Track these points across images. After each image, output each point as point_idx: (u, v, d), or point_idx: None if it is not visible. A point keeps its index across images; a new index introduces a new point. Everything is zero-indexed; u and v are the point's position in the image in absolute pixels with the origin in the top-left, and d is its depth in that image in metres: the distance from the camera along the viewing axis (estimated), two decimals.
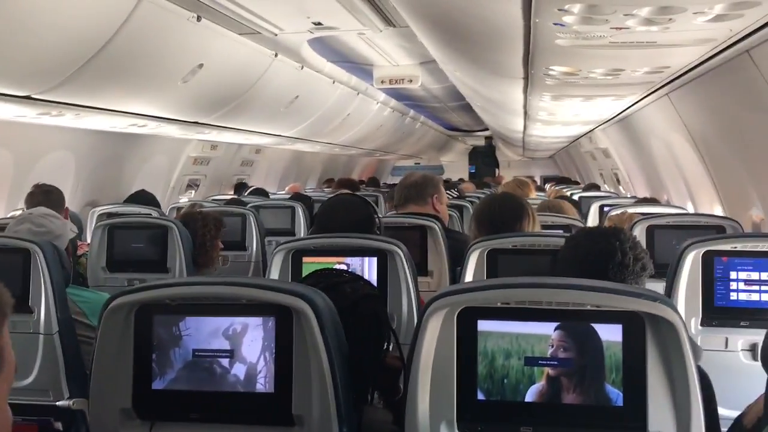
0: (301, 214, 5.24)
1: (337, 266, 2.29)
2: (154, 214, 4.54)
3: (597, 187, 9.05)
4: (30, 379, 2.28)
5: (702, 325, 2.32)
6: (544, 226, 3.13)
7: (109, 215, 4.57)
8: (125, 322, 1.40)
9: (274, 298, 1.35)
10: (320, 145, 9.93)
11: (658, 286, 2.52)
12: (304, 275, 2.15)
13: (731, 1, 2.15)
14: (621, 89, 4.45)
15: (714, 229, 3.10)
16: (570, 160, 14.55)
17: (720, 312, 2.31)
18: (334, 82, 7.14)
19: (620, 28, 2.48)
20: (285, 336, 1.36)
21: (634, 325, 1.24)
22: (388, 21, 5.10)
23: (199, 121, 5.98)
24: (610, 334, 1.24)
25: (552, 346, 1.25)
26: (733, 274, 2.31)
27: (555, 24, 2.46)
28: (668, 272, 2.36)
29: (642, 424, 1.23)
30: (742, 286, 2.31)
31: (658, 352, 1.23)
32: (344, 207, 2.68)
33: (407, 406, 1.28)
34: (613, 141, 8.67)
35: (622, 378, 1.24)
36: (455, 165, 18.89)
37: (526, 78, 4.14)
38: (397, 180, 9.83)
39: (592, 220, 4.85)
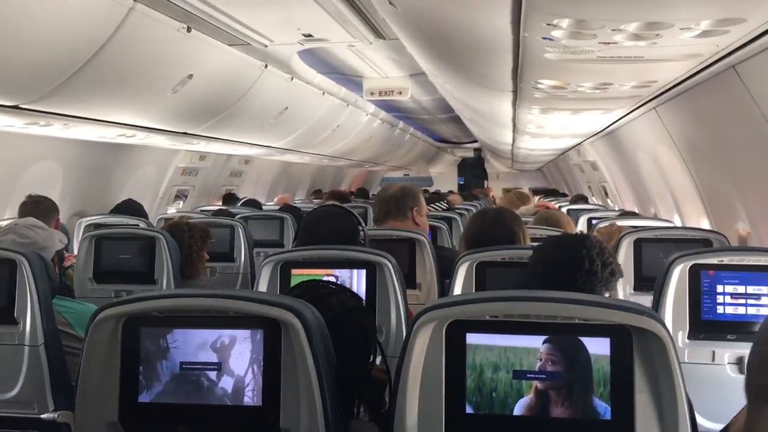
0: (290, 225, 5.23)
1: (326, 278, 2.29)
2: (142, 225, 4.52)
3: (585, 199, 9.08)
4: (15, 392, 2.24)
5: (689, 338, 2.33)
6: (534, 239, 3.13)
7: (96, 226, 4.54)
8: (112, 334, 1.39)
9: (261, 311, 1.34)
10: (309, 156, 9.94)
11: (646, 299, 2.53)
12: (292, 286, 2.15)
13: (717, 17, 2.18)
14: (609, 103, 4.49)
15: (701, 243, 3.12)
16: (558, 173, 14.63)
17: (707, 325, 2.32)
18: (323, 94, 7.16)
19: (608, 43, 2.50)
20: (273, 349, 1.36)
21: (622, 339, 1.24)
22: (378, 33, 5.12)
23: (188, 132, 5.97)
24: (598, 347, 1.25)
25: (540, 360, 1.25)
26: (719, 288, 2.32)
27: (543, 38, 2.48)
28: (655, 286, 2.37)
29: None
30: (728, 299, 2.32)
31: (645, 366, 1.23)
32: (328, 218, 2.65)
33: (395, 419, 1.28)
34: (601, 154, 8.72)
35: (610, 392, 1.24)
36: (444, 176, 18.94)
37: (515, 91, 4.16)
38: None
39: None
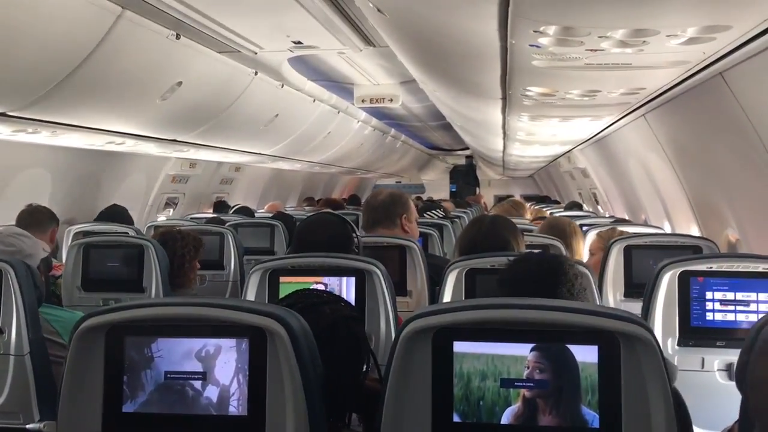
0: (281, 232, 5.21)
1: (315, 286, 2.28)
2: (131, 232, 4.50)
3: (579, 206, 9.06)
4: (1, 402, 2.22)
5: (679, 345, 2.33)
6: (533, 246, 3.12)
7: (85, 234, 4.51)
8: (95, 344, 1.37)
9: (247, 319, 1.33)
10: (301, 163, 9.93)
11: (636, 306, 2.54)
12: (281, 295, 2.14)
13: (703, 24, 2.19)
14: (598, 110, 4.50)
15: (690, 249, 3.13)
16: (549, 180, 14.67)
17: (696, 332, 2.33)
18: (314, 101, 7.15)
19: (595, 50, 2.51)
20: (259, 358, 1.34)
21: (610, 346, 1.23)
22: (367, 41, 5.13)
23: (178, 139, 5.95)
24: (586, 355, 1.24)
25: (528, 368, 1.25)
26: (708, 294, 2.33)
27: (531, 45, 2.49)
28: (645, 292, 2.37)
29: None
30: (717, 306, 2.33)
31: (633, 373, 1.23)
32: (321, 226, 2.66)
33: (382, 427, 1.27)
34: (591, 161, 8.75)
35: (598, 399, 1.23)
36: (436, 183, 18.97)
37: (504, 98, 4.17)
38: None
39: None
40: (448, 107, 6.50)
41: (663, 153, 5.19)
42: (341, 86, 7.60)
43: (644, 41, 2.37)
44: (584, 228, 4.67)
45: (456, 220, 5.56)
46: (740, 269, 2.30)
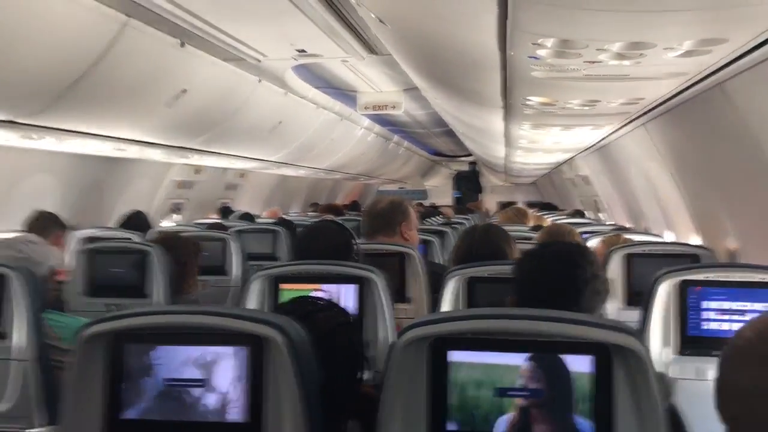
0: (283, 238, 5.23)
1: (314, 293, 2.29)
2: (135, 238, 4.52)
3: (582, 214, 9.04)
4: (2, 407, 2.25)
5: (675, 354, 2.34)
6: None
7: (90, 239, 4.53)
8: (96, 351, 1.40)
9: (245, 328, 1.35)
10: (304, 169, 9.96)
11: (637, 314, 2.55)
12: (280, 302, 2.16)
13: (699, 38, 2.21)
14: (598, 119, 4.52)
15: (689, 258, 3.13)
16: (552, 187, 14.66)
17: (693, 341, 2.34)
18: (318, 108, 7.19)
19: (593, 62, 2.53)
20: (258, 366, 1.37)
21: (604, 356, 1.25)
22: (370, 49, 5.16)
23: (183, 146, 5.98)
24: (581, 365, 1.25)
25: (522, 377, 1.26)
26: (706, 304, 2.34)
27: (530, 57, 2.51)
28: (643, 301, 2.38)
29: None
30: (715, 315, 2.34)
31: (625, 384, 1.24)
32: (322, 233, 2.69)
33: None
34: (593, 168, 8.76)
35: (591, 409, 1.25)
36: (439, 190, 18.96)
37: (505, 107, 4.20)
38: None
39: None
40: (450, 115, 6.54)
41: (663, 162, 5.20)
42: (345, 93, 7.63)
43: (641, 54, 2.39)
44: (585, 236, 4.68)
45: (457, 226, 5.58)
46: (737, 279, 2.31)
